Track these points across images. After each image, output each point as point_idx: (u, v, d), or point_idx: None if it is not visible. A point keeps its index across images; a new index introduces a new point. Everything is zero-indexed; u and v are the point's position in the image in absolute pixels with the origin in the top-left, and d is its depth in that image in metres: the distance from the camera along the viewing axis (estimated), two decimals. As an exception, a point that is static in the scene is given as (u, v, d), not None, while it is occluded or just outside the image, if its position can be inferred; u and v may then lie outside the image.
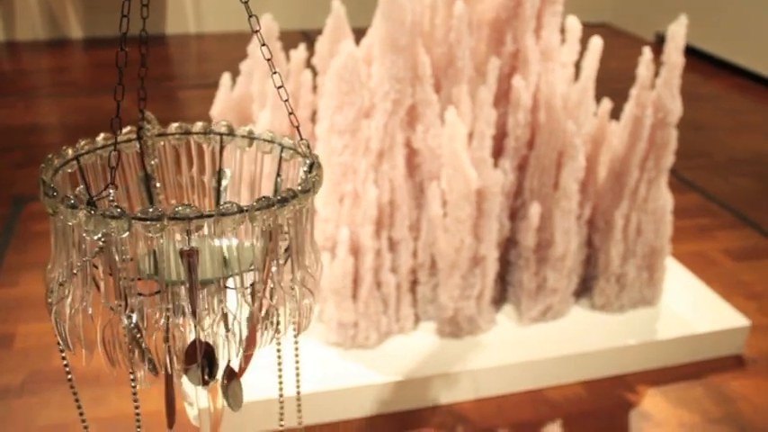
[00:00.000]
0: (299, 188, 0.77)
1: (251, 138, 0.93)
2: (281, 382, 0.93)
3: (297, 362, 0.98)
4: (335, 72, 1.73)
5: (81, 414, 0.87)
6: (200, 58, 4.70)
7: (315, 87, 2.01)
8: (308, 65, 2.01)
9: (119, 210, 0.69)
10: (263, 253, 0.77)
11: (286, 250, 0.80)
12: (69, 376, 0.84)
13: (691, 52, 4.75)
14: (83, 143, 0.87)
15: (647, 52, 1.88)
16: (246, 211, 0.72)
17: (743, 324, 2.03)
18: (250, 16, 0.84)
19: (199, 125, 0.95)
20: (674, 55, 1.85)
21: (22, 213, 2.62)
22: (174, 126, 0.95)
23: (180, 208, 0.70)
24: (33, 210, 2.65)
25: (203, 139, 0.95)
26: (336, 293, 1.79)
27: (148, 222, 0.69)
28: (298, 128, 0.88)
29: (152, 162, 0.94)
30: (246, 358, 0.84)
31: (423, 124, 1.83)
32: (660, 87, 1.88)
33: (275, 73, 0.86)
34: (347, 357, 1.83)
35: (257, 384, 1.60)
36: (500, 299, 2.04)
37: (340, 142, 1.77)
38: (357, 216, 1.78)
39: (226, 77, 2.03)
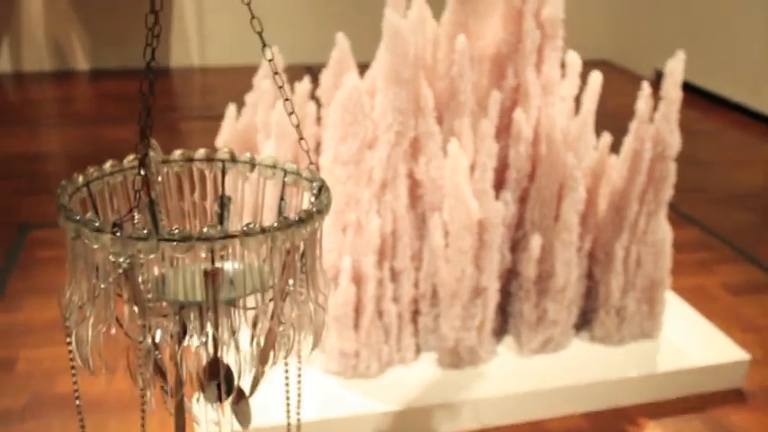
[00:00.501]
0: (314, 209, 0.79)
1: (252, 164, 0.95)
2: (288, 404, 0.94)
3: (299, 381, 0.99)
4: (340, 104, 1.76)
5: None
6: (203, 90, 4.76)
7: (319, 119, 2.04)
8: (313, 97, 2.04)
9: (146, 231, 0.71)
10: (280, 271, 0.79)
11: (301, 269, 0.82)
12: (78, 402, 0.85)
13: (690, 89, 4.80)
14: (92, 170, 0.89)
15: (645, 87, 1.92)
16: (269, 231, 0.74)
17: (743, 358, 2.03)
18: (264, 46, 0.87)
19: (201, 152, 0.97)
20: (672, 90, 1.88)
21: (25, 240, 2.64)
22: (177, 153, 0.97)
23: (206, 229, 0.72)
24: (37, 237, 2.67)
25: (206, 166, 0.97)
26: (338, 322, 1.80)
27: (176, 243, 0.71)
28: (308, 152, 0.90)
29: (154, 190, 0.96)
30: (262, 373, 0.85)
31: (425, 156, 1.86)
32: (659, 122, 1.91)
33: (287, 100, 0.89)
34: (348, 386, 1.83)
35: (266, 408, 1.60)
36: (501, 330, 2.05)
37: (344, 172, 1.79)
38: (360, 245, 1.80)
39: (231, 109, 2.06)
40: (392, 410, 1.77)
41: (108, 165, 0.92)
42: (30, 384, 1.92)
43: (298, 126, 0.89)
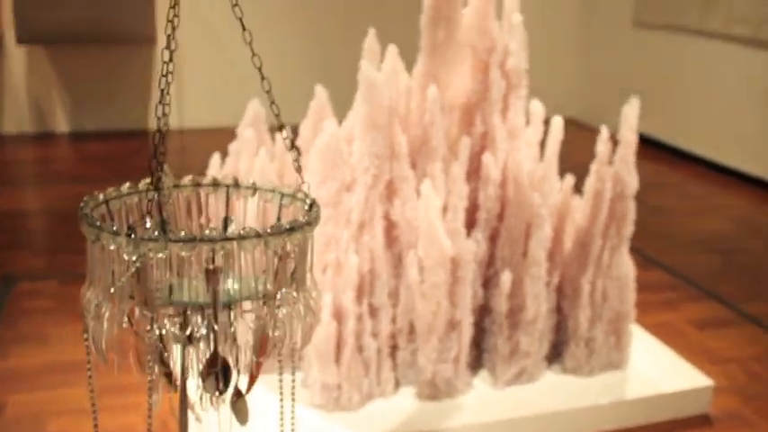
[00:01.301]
0: (303, 220, 0.90)
1: (254, 188, 1.06)
2: (281, 399, 1.02)
3: (293, 380, 1.07)
4: (319, 149, 1.88)
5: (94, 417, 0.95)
6: (182, 151, 4.87)
7: (299, 167, 2.15)
8: (293, 146, 2.16)
9: (156, 233, 0.82)
10: (273, 274, 0.89)
11: (292, 274, 0.92)
12: (92, 396, 0.93)
13: (656, 145, 5.02)
14: (110, 190, 1.00)
15: (604, 131, 2.06)
16: (262, 236, 0.84)
17: (707, 384, 2.14)
18: (272, 102, 0.98)
19: (209, 178, 1.08)
20: (628, 133, 2.03)
21: (11, 292, 2.69)
22: (186, 179, 1.08)
23: (208, 231, 0.83)
24: (22, 289, 2.73)
25: (212, 191, 1.07)
26: (320, 357, 1.88)
27: (182, 243, 0.81)
28: (300, 171, 1.01)
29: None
30: (257, 366, 0.94)
31: (400, 198, 1.97)
32: (617, 163, 2.05)
33: (282, 127, 1.00)
34: (331, 419, 1.90)
35: None
36: (476, 364, 2.14)
37: (324, 214, 1.90)
38: (339, 283, 1.90)
39: (215, 158, 2.17)
40: (374, 441, 1.84)
41: (125, 186, 1.02)
42: (19, 427, 1.97)
43: (292, 146, 1.01)
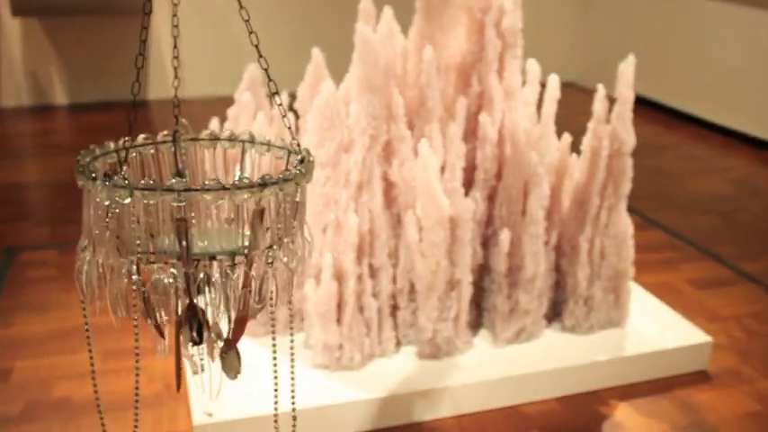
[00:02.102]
0: (277, 177, 0.91)
1: (268, 145, 1.08)
2: (275, 365, 1.04)
3: (273, 331, 1.08)
4: (317, 110, 1.88)
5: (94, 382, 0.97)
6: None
7: (297, 130, 2.16)
8: (291, 109, 2.16)
9: (125, 181, 0.84)
10: (251, 230, 0.90)
11: (268, 229, 0.93)
12: (93, 368, 0.94)
13: (653, 105, 5.01)
14: (123, 139, 1.02)
15: (601, 89, 2.06)
16: (228, 188, 0.86)
17: (705, 341, 2.16)
18: (249, 28, 0.98)
19: (227, 133, 1.10)
20: (625, 90, 2.03)
21: (13, 262, 2.71)
22: (205, 133, 1.10)
23: (173, 182, 0.84)
24: (24, 259, 2.74)
25: (228, 145, 1.09)
26: (322, 317, 1.90)
27: (147, 192, 0.83)
28: (290, 128, 1.01)
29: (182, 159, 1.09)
30: (238, 323, 0.95)
31: (398, 158, 1.98)
32: (614, 121, 2.05)
33: (275, 93, 1.00)
34: (333, 378, 1.92)
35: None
36: (476, 324, 2.16)
37: (322, 174, 1.90)
38: (339, 244, 1.91)
39: (214, 122, 2.17)
40: (376, 398, 1.86)
41: (141, 137, 1.05)
42: (26, 392, 1.99)
43: (280, 104, 1.01)
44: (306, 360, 1.98)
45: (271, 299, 0.97)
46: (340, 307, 1.93)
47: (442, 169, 1.95)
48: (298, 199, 0.97)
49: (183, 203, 0.85)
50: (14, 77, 4.83)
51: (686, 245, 3.04)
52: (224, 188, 0.86)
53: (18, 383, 2.02)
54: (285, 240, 0.96)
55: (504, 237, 2.01)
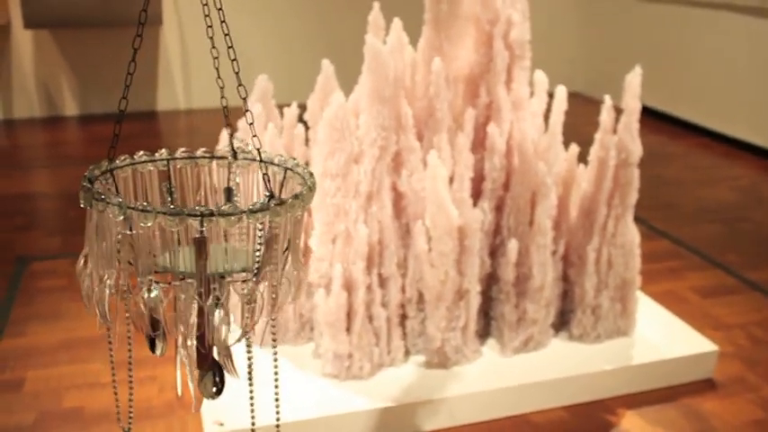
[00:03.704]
0: (276, 202, 0.94)
1: (286, 167, 1.10)
2: (276, 366, 1.06)
3: (245, 331, 1.11)
4: (327, 121, 1.91)
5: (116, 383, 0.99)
6: (189, 131, 4.90)
7: (307, 140, 2.18)
8: (300, 120, 2.19)
9: (144, 204, 0.87)
10: (264, 248, 0.93)
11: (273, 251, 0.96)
12: (111, 354, 0.97)
13: (659, 116, 5.03)
14: (123, 158, 1.04)
15: (608, 100, 2.08)
16: (245, 212, 0.89)
17: (712, 349, 2.17)
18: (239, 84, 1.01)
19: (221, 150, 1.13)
20: (632, 101, 2.05)
21: (25, 271, 2.74)
22: (200, 151, 1.13)
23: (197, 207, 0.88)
24: (36, 269, 2.77)
25: (219, 163, 1.12)
26: (331, 326, 1.92)
27: (141, 212, 0.86)
28: (259, 150, 1.04)
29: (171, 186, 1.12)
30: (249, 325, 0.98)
31: (407, 169, 2.00)
32: (621, 131, 2.07)
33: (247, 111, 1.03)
34: (343, 387, 1.94)
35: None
36: (484, 333, 2.17)
37: (332, 185, 1.93)
38: (349, 254, 1.93)
39: (224, 133, 2.19)
40: (385, 407, 1.88)
41: (140, 154, 1.08)
42: (38, 402, 2.01)
43: (247, 110, 1.05)
44: (315, 369, 2.00)
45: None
46: (349, 316, 1.95)
47: (451, 180, 1.98)
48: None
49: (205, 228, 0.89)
50: (26, 89, 4.88)
51: (692, 254, 3.05)
52: (249, 211, 0.90)
53: (30, 393, 2.05)
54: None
55: (512, 246, 2.03)
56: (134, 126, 4.70)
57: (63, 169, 3.96)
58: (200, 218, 0.88)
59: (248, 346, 1.09)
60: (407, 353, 2.08)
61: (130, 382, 1.10)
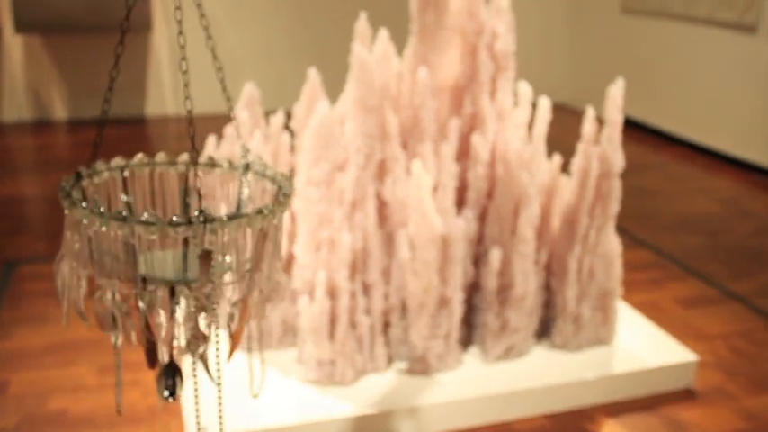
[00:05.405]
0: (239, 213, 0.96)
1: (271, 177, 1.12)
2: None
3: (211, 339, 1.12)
4: (313, 130, 1.93)
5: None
6: (178, 137, 4.91)
7: (293, 148, 2.20)
8: (286, 128, 2.21)
9: (123, 214, 0.89)
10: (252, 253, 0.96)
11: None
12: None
13: (641, 127, 5.08)
14: (99, 164, 1.06)
15: (590, 111, 2.11)
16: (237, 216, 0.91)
17: (692, 359, 2.20)
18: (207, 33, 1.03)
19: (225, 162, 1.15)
20: (614, 113, 2.08)
21: (12, 276, 2.75)
22: (182, 157, 1.14)
23: (174, 218, 0.90)
24: (24, 272, 2.77)
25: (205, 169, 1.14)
26: (315, 333, 1.94)
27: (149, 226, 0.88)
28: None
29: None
30: (235, 336, 1.00)
31: (391, 178, 2.02)
32: (603, 142, 2.10)
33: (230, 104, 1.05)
34: (326, 393, 1.96)
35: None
36: (466, 341, 2.19)
37: (317, 193, 1.95)
38: (333, 261, 1.95)
39: (211, 140, 2.21)
40: (367, 414, 1.90)
41: (116, 160, 1.09)
42: (22, 405, 2.02)
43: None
44: (298, 375, 2.01)
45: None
46: (333, 323, 1.96)
47: (435, 189, 2.00)
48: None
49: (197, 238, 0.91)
50: (16, 93, 4.88)
51: (673, 264, 3.08)
52: (240, 216, 0.92)
53: (14, 396, 2.05)
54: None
55: (495, 255, 2.06)
56: (123, 131, 4.72)
57: (51, 173, 3.97)
58: (150, 225, 0.90)
59: (203, 352, 1.10)
60: (390, 360, 2.10)
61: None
